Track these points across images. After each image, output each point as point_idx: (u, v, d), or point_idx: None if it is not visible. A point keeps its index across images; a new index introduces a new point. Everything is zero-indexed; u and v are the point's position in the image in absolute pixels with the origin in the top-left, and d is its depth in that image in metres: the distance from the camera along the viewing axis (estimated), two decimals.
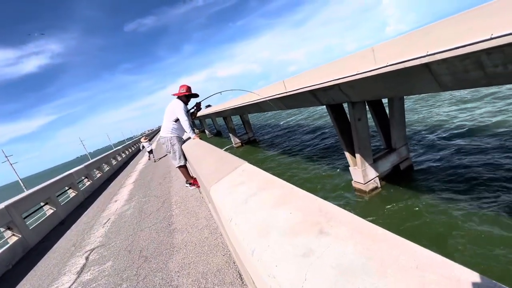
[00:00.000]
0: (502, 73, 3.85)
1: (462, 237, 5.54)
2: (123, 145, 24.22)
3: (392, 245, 0.44)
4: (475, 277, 0.36)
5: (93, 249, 4.23)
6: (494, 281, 0.36)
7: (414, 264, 0.39)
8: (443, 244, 5.52)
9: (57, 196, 7.76)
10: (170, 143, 4.14)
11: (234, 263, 2.50)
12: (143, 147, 14.33)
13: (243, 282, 2.21)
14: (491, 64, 3.84)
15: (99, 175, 12.39)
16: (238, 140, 24.00)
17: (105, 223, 5.44)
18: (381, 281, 0.39)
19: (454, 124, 11.76)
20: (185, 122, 3.98)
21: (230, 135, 24.52)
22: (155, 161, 12.65)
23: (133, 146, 28.04)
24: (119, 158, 18.00)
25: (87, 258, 3.93)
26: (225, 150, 2.99)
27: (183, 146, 4.22)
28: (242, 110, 17.80)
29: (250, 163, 1.67)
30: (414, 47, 4.42)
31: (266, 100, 10.48)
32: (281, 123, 29.08)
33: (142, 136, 23.53)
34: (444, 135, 10.91)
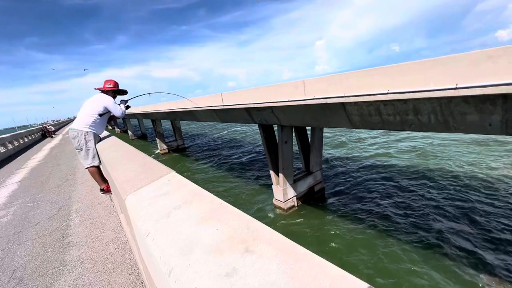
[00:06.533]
0: (392, 121, 4.92)
1: (352, 248, 6.63)
2: (12, 133, 19.12)
3: (311, 264, 0.47)
4: None
5: None
6: None
7: (328, 282, 0.44)
8: (338, 254, 6.49)
9: None
10: (85, 139, 3.46)
11: (142, 283, 2.23)
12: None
13: None
14: (386, 112, 4.88)
15: None
16: (165, 146, 22.43)
17: None
18: None
19: (359, 154, 14.14)
20: (117, 108, 3.61)
21: (157, 139, 22.73)
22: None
23: (27, 137, 22.56)
24: (1, 150, 14.16)
25: None
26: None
27: (97, 146, 3.65)
28: (174, 116, 16.89)
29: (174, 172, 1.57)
30: (335, 87, 5.21)
31: (200, 110, 10.29)
32: (215, 134, 28.87)
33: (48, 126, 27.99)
34: (349, 162, 12.97)
